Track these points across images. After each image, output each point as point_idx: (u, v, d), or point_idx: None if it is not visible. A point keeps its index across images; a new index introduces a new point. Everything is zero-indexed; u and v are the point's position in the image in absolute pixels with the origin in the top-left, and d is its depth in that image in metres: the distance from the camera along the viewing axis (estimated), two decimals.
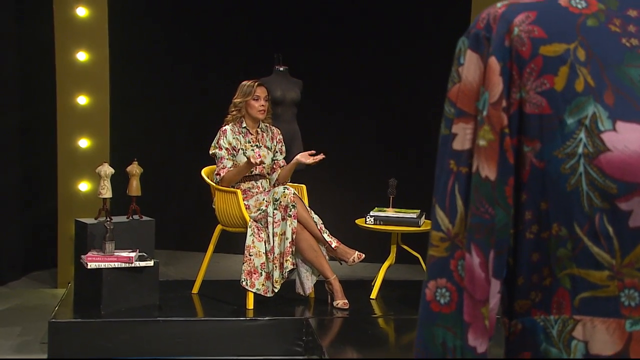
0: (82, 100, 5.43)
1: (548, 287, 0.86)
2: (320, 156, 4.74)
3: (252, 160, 4.45)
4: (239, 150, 4.66)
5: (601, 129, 0.82)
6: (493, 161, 0.86)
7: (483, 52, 0.89)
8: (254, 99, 4.68)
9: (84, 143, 5.45)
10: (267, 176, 4.82)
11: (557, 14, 0.87)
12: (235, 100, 4.72)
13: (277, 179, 4.84)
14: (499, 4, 0.91)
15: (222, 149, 4.61)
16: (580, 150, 0.82)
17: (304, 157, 4.73)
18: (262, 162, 4.59)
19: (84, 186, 5.46)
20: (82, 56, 5.40)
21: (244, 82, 4.75)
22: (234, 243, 5.29)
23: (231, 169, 4.60)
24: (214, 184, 4.68)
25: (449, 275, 0.89)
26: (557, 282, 0.85)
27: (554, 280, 0.86)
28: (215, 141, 4.67)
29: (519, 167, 0.88)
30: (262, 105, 4.70)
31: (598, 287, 0.83)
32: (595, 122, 0.82)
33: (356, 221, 5.06)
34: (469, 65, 0.90)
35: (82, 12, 5.37)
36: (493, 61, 0.87)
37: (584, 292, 0.83)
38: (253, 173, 4.70)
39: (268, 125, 4.87)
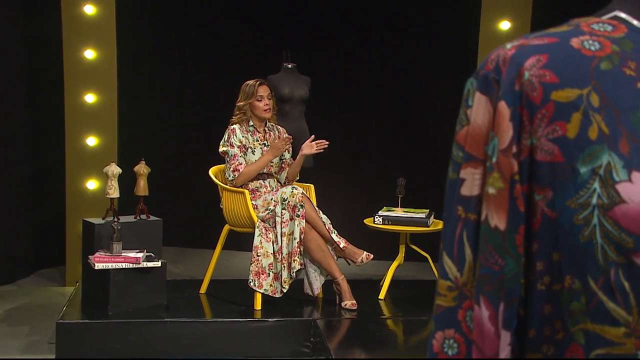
0: (90, 98, 5.42)
1: (561, 341, 0.83)
2: (324, 143, 4.72)
3: (272, 154, 4.51)
4: (248, 148, 4.63)
5: (616, 180, 0.78)
6: (503, 210, 0.83)
7: (492, 95, 0.85)
8: (257, 100, 4.65)
9: (91, 141, 5.44)
10: (275, 175, 4.80)
11: (570, 57, 0.84)
12: (238, 104, 4.69)
13: (286, 177, 4.82)
14: (508, 45, 0.87)
15: (233, 146, 4.59)
16: (594, 200, 0.79)
17: (308, 148, 4.72)
18: (290, 140, 4.64)
19: (92, 184, 5.45)
20: (89, 54, 5.38)
21: (245, 83, 4.72)
22: (242, 240, 5.26)
23: (246, 165, 4.59)
24: (222, 184, 4.66)
25: (457, 326, 0.86)
26: (571, 336, 0.82)
27: (567, 334, 0.82)
28: (224, 140, 4.64)
29: (530, 216, 0.84)
30: (267, 104, 4.67)
31: (614, 344, 0.79)
32: (609, 172, 0.79)
33: (364, 221, 5.03)
34: (477, 108, 0.87)
35: (89, 9, 5.35)
36: (503, 106, 0.84)
37: (599, 349, 0.80)
38: (262, 171, 4.68)
39: (274, 124, 4.85)
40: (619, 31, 0.86)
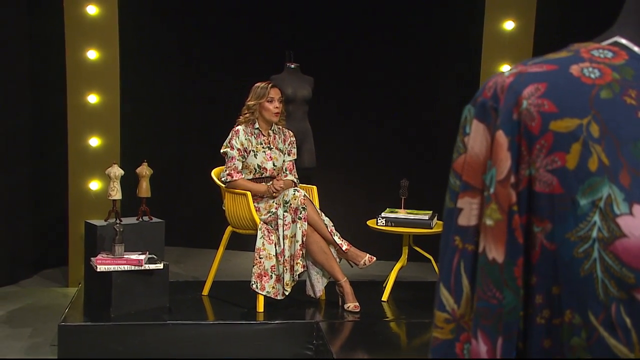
0: (93, 98, 5.41)
1: None
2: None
3: (269, 190, 4.51)
4: (250, 152, 4.62)
5: (617, 213, 0.76)
6: (501, 242, 0.81)
7: (490, 123, 0.83)
8: (268, 101, 4.63)
9: (94, 142, 5.43)
10: (278, 178, 4.77)
11: (569, 86, 0.81)
12: (248, 103, 4.66)
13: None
14: (506, 72, 0.85)
15: (233, 148, 4.58)
16: (594, 234, 0.77)
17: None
18: (277, 193, 4.56)
19: (95, 185, 5.44)
20: (92, 54, 5.37)
21: (257, 84, 4.69)
22: (245, 240, 5.26)
23: (242, 173, 4.58)
24: (222, 185, 4.65)
25: (454, 359, 0.84)
26: None
27: None
28: (227, 141, 4.63)
29: (529, 248, 0.82)
30: (277, 107, 4.64)
31: None
32: (610, 205, 0.76)
33: (367, 222, 5.01)
34: (475, 136, 0.85)
35: (92, 10, 5.33)
36: (500, 135, 0.82)
37: None
38: (263, 175, 4.67)
39: (281, 127, 4.82)
40: (620, 58, 0.84)
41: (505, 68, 5.58)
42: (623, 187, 0.77)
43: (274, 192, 4.54)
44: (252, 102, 4.65)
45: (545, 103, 0.81)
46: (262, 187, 4.58)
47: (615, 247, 0.75)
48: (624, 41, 0.86)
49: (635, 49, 0.85)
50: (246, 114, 4.67)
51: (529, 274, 0.82)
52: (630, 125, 0.80)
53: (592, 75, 0.82)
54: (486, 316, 0.81)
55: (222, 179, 4.61)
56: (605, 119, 0.80)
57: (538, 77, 0.82)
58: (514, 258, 0.81)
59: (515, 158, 0.81)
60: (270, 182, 4.60)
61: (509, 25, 5.52)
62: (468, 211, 0.85)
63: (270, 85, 4.67)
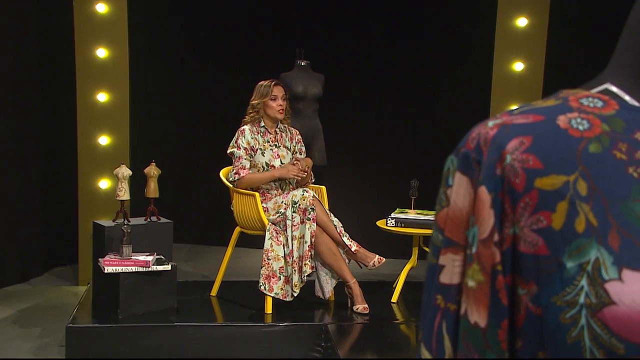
0: (102, 97, 5.40)
1: None
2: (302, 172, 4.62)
3: (280, 173, 4.46)
4: (257, 150, 4.59)
5: (605, 278, 0.71)
6: (483, 305, 0.77)
7: (473, 176, 0.79)
8: (271, 99, 4.60)
9: (104, 140, 5.42)
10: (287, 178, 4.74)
11: (555, 139, 0.76)
12: (252, 102, 4.64)
13: (297, 181, 4.76)
14: (490, 123, 0.80)
15: (240, 148, 4.55)
16: (581, 299, 0.72)
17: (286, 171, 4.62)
18: (297, 176, 4.54)
19: (104, 183, 5.44)
20: (101, 53, 5.35)
21: (260, 83, 4.67)
22: (254, 238, 5.23)
23: (250, 170, 4.55)
24: (230, 185, 4.62)
25: None
26: None
27: None
28: (233, 141, 4.61)
29: (514, 310, 0.77)
30: (280, 105, 4.61)
31: None
32: (598, 269, 0.72)
33: (377, 223, 4.97)
34: (457, 189, 0.80)
35: (101, 8, 5.31)
36: (483, 192, 0.77)
37: None
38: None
39: (287, 125, 4.79)
40: (610, 108, 0.79)
41: (518, 66, 5.50)
42: (612, 249, 0.72)
43: (297, 175, 4.51)
44: (256, 101, 4.63)
45: (530, 158, 0.76)
46: (270, 173, 4.54)
47: (604, 314, 0.70)
48: (614, 89, 0.81)
49: (627, 97, 0.80)
50: (251, 113, 4.65)
51: (514, 337, 0.77)
52: (620, 182, 0.75)
53: (581, 127, 0.77)
54: None
55: (230, 179, 4.59)
56: (593, 175, 0.75)
57: (523, 129, 0.78)
58: (498, 320, 0.77)
59: (499, 216, 0.76)
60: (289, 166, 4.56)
61: (522, 22, 5.45)
62: (450, 268, 0.81)
63: (273, 83, 4.64)
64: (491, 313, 0.76)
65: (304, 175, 4.60)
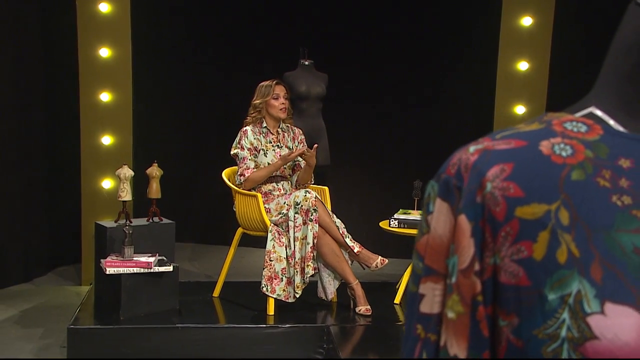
0: (105, 97, 5.39)
1: None
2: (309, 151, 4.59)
3: (284, 156, 4.43)
4: (259, 150, 4.57)
5: (587, 311, 0.69)
6: (463, 337, 0.74)
7: (454, 203, 0.76)
8: (273, 98, 4.58)
9: (107, 140, 5.42)
10: (289, 177, 4.73)
11: (537, 166, 0.74)
12: (254, 102, 4.62)
13: (297, 180, 4.75)
14: (471, 148, 0.77)
15: (244, 149, 4.53)
16: (563, 333, 0.70)
17: (308, 158, 4.59)
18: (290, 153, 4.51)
19: (107, 183, 5.43)
20: (104, 53, 5.34)
21: (261, 83, 4.65)
22: (258, 237, 5.22)
23: (255, 169, 4.53)
24: (234, 187, 4.61)
25: None
26: None
27: None
28: (236, 142, 4.59)
29: (495, 342, 0.75)
30: (283, 104, 4.59)
31: None
32: (580, 302, 0.69)
33: (380, 224, 4.95)
34: (438, 216, 0.78)
35: (104, 8, 5.30)
36: (463, 220, 0.75)
37: None
38: (274, 174, 4.62)
39: (289, 125, 4.77)
40: (594, 133, 0.77)
41: (523, 66, 5.47)
42: (594, 281, 0.70)
43: (302, 152, 4.49)
44: (258, 101, 4.60)
45: (510, 186, 0.73)
46: (275, 164, 4.52)
47: (586, 349, 0.68)
48: (599, 113, 0.78)
49: (611, 122, 0.77)
50: (253, 113, 4.63)
51: None
52: (603, 211, 0.72)
53: (564, 153, 0.75)
54: None
55: (237, 182, 4.57)
56: (576, 204, 0.72)
57: (504, 155, 0.75)
58: (479, 352, 0.74)
59: (479, 244, 0.74)
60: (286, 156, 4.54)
61: (527, 21, 5.41)
62: (431, 298, 0.78)
63: (275, 82, 4.62)
64: (472, 344, 0.74)
65: (308, 154, 4.55)
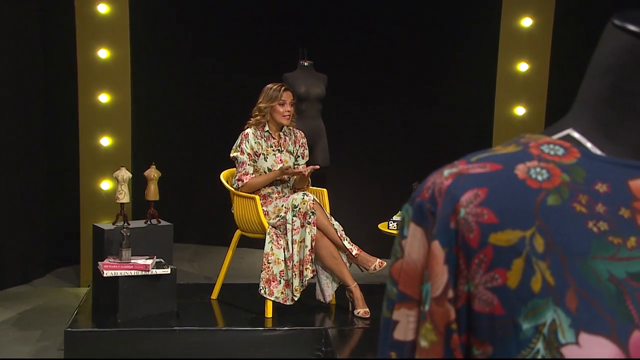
0: (104, 98, 5.38)
1: None
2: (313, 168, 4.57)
3: (283, 169, 4.41)
4: (260, 155, 4.55)
5: (561, 342, 0.67)
6: None
7: (428, 228, 0.74)
8: (280, 104, 4.54)
9: (105, 141, 5.41)
10: (288, 181, 4.71)
11: (512, 191, 0.72)
12: (260, 105, 4.57)
13: (293, 184, 4.71)
14: (446, 172, 0.76)
15: (243, 153, 4.51)
16: None
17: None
18: (288, 167, 4.49)
19: (106, 185, 5.42)
20: (103, 54, 5.34)
21: (269, 86, 4.59)
22: (257, 238, 5.21)
23: (254, 175, 4.51)
24: (233, 189, 4.59)
25: None
26: None
27: None
28: (236, 145, 4.56)
29: None
30: (288, 111, 4.55)
31: None
32: (554, 332, 0.68)
33: (379, 226, 4.93)
34: (412, 241, 0.76)
35: (103, 9, 5.29)
36: (436, 247, 0.73)
37: None
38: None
39: (291, 128, 4.73)
40: (571, 156, 0.75)
41: (523, 67, 5.44)
42: (569, 311, 0.68)
43: (285, 171, 4.48)
44: (264, 105, 4.56)
45: (484, 212, 0.71)
46: (273, 173, 4.51)
47: None
48: (576, 135, 0.76)
49: (588, 145, 0.75)
50: (257, 116, 4.59)
51: None
52: (579, 237, 0.70)
53: (540, 178, 0.73)
54: None
55: (234, 186, 4.55)
56: (551, 230, 0.70)
57: (479, 180, 0.73)
58: None
59: (453, 271, 0.72)
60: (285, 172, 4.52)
61: (526, 22, 5.38)
62: (405, 324, 0.76)
63: (283, 87, 4.57)
64: None
65: (305, 174, 4.53)
